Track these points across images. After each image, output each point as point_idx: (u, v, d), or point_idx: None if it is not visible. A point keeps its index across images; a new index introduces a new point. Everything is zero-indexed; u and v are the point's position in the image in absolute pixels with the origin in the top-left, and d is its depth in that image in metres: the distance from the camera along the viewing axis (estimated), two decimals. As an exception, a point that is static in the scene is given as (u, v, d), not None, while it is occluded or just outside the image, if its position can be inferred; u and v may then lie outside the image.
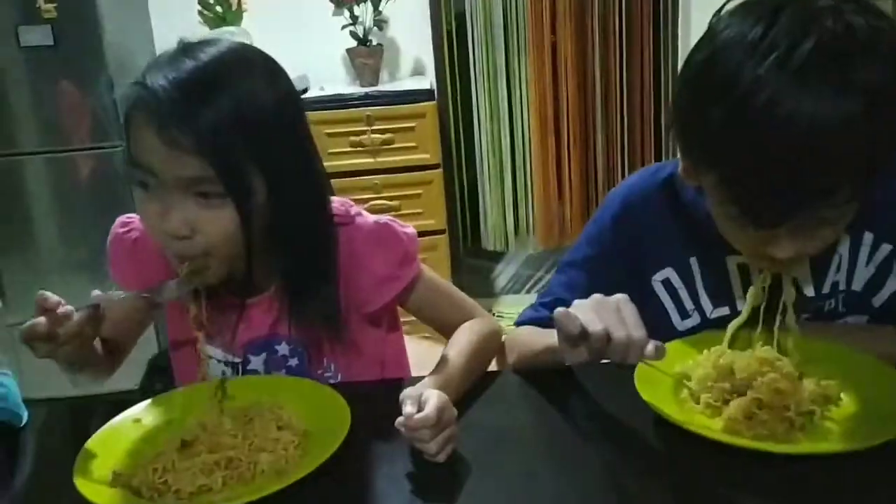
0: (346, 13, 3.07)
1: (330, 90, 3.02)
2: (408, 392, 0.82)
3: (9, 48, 2.65)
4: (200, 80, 0.84)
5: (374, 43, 3.12)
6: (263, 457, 0.79)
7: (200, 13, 3.15)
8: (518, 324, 1.10)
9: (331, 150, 2.83)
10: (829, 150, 0.72)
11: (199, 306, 0.92)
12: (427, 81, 3.21)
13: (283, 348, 1.03)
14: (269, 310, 1.01)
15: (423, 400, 0.79)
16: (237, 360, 1.04)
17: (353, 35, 3.09)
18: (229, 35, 3.03)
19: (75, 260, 2.77)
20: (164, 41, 3.10)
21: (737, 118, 0.75)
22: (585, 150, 3.73)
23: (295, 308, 0.98)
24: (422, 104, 2.89)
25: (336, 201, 1.02)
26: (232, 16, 3.17)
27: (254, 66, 0.90)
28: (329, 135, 2.84)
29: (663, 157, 3.58)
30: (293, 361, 1.04)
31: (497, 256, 3.99)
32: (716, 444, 0.76)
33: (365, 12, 3.07)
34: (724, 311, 0.99)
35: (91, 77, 2.70)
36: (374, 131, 2.86)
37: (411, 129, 2.87)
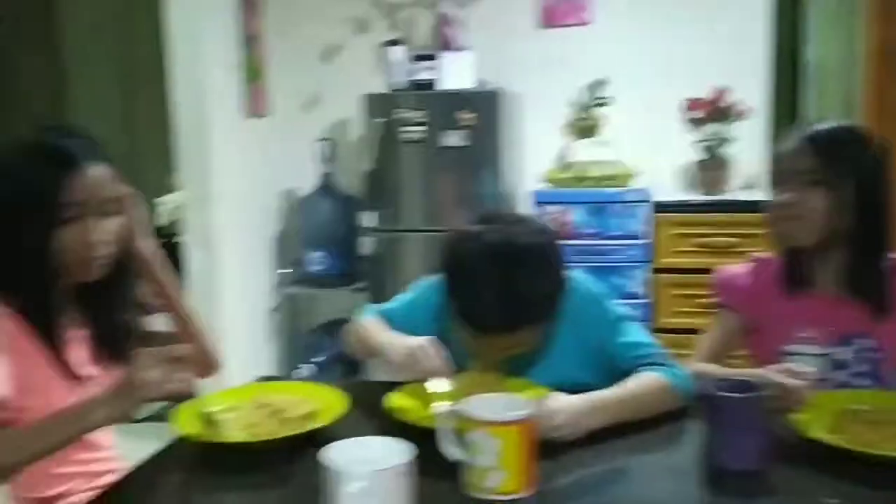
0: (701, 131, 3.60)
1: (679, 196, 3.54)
2: None
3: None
4: None
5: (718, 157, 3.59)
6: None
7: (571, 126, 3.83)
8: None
9: (678, 249, 3.32)
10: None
11: None
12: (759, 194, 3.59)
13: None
14: None
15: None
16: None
17: (707, 150, 3.58)
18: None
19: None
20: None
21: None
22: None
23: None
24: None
25: None
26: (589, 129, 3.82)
27: None
28: (678, 235, 3.34)
29: None
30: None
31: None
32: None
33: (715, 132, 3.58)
34: None
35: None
36: (718, 234, 3.29)
37: (754, 235, 3.25)
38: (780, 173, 1.45)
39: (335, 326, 4.00)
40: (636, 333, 1.43)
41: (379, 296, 3.71)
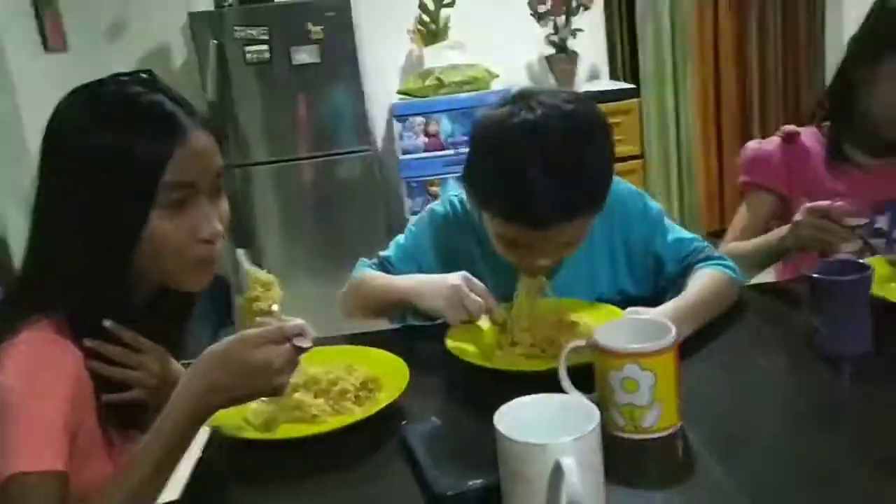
0: (548, 25, 3.53)
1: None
2: None
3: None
4: None
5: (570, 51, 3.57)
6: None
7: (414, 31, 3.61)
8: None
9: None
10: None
11: None
12: (602, 85, 3.66)
13: None
14: None
15: None
16: None
17: (553, 44, 3.53)
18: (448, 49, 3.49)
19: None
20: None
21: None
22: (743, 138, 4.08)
23: None
24: (627, 101, 3.32)
25: None
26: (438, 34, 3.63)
27: None
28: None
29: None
30: None
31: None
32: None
33: (561, 25, 3.53)
34: None
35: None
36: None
37: (618, 124, 3.29)
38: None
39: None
40: (678, 230, 1.34)
41: (241, 238, 3.37)
